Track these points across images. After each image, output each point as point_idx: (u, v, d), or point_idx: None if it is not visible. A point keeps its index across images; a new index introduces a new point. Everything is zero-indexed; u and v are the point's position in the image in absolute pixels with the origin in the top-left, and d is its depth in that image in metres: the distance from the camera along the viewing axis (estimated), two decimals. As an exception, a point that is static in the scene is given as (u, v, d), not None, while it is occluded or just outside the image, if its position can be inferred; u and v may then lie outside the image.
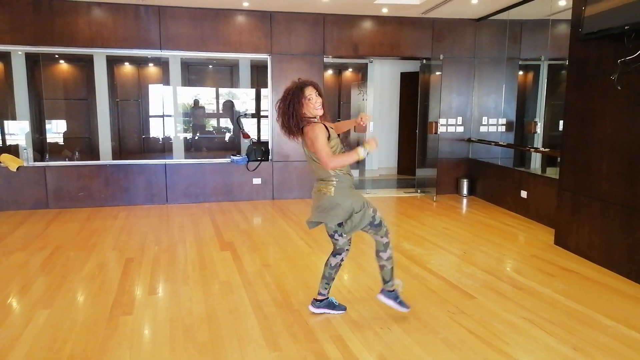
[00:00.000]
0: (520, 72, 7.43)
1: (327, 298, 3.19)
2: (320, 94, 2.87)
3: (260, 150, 7.07)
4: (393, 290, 3.10)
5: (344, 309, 3.22)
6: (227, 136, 8.69)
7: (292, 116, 2.81)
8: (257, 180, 7.04)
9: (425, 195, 7.49)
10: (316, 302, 3.19)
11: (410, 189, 7.93)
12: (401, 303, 3.10)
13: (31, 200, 6.32)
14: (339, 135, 3.00)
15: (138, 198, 6.68)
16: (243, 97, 8.54)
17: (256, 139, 7.95)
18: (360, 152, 2.78)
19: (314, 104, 2.82)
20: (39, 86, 7.19)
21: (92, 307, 3.30)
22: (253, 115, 8.34)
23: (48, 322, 3.07)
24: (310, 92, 2.82)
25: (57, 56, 7.52)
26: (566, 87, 4.62)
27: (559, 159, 4.96)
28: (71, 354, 2.68)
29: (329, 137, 2.81)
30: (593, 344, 2.83)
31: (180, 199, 6.80)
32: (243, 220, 5.86)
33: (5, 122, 7.21)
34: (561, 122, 4.84)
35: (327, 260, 3.14)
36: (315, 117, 2.86)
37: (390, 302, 3.10)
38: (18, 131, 7.04)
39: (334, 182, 2.87)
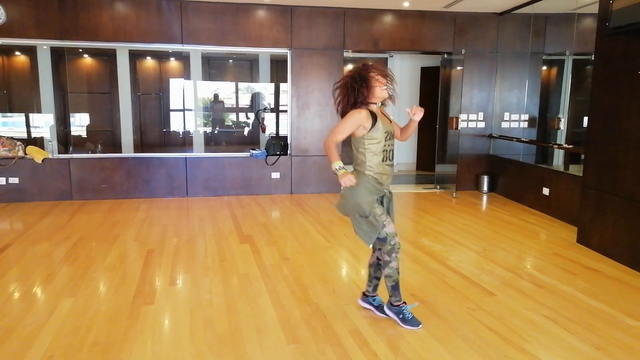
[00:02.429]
0: (544, 67, 7.30)
1: (404, 304, 3.00)
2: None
3: (279, 145, 7.09)
4: (374, 297, 3.13)
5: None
6: (246, 130, 8.74)
7: (356, 98, 2.75)
8: (275, 175, 7.07)
9: (444, 191, 7.42)
10: (393, 307, 2.99)
11: (429, 184, 7.87)
12: (383, 311, 3.04)
13: (55, 191, 6.47)
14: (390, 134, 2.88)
15: (159, 191, 6.77)
16: (262, 92, 8.57)
17: (275, 133, 7.98)
18: (335, 166, 2.74)
19: (380, 86, 2.76)
20: (63, 80, 7.32)
21: (114, 297, 3.36)
22: (272, 110, 8.36)
23: (72, 310, 3.14)
24: (378, 75, 2.78)
25: (81, 50, 7.64)
26: (592, 83, 4.52)
27: (582, 156, 4.87)
28: (95, 341, 2.74)
29: (372, 126, 2.75)
30: (615, 343, 2.78)
31: (200, 192, 6.88)
32: (262, 213, 5.90)
33: (31, 115, 7.38)
34: (585, 119, 4.75)
35: (377, 261, 3.06)
36: (376, 103, 2.83)
37: (367, 306, 3.14)
38: (43, 124, 7.21)
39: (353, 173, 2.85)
